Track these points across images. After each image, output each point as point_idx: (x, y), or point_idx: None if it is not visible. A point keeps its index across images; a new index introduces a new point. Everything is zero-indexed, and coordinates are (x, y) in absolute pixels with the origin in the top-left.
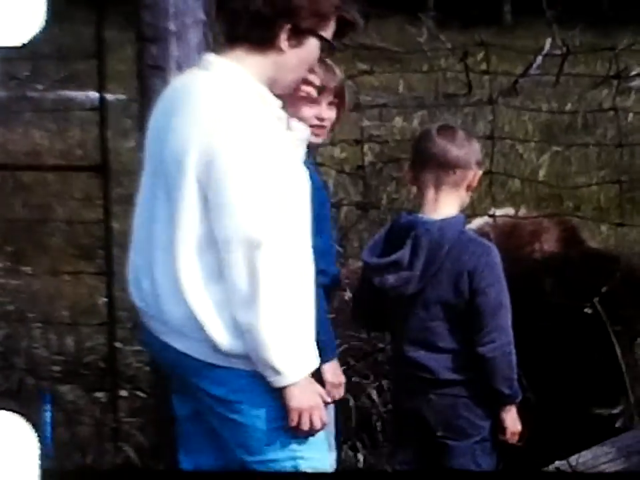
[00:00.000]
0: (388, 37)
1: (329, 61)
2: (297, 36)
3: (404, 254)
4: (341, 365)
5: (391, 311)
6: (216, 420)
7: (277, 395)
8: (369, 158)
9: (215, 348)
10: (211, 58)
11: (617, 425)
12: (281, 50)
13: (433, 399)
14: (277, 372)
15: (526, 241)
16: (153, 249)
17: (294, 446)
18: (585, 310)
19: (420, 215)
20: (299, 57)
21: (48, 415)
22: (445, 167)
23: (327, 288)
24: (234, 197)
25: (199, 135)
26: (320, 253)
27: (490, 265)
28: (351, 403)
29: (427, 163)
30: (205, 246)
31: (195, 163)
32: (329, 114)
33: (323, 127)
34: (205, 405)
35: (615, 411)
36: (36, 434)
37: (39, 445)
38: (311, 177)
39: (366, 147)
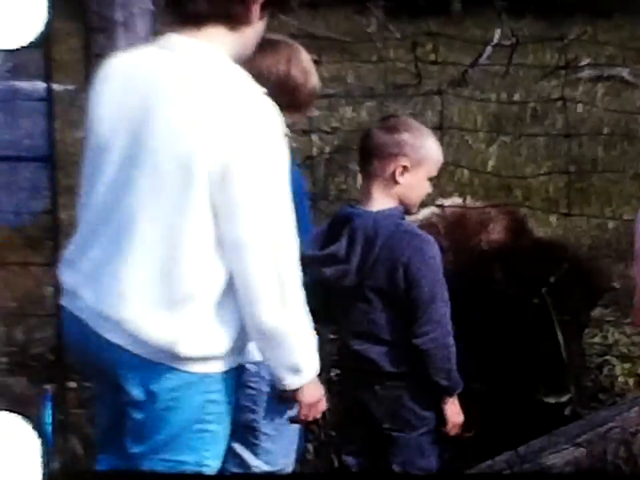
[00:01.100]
0: (337, 27)
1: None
2: (263, 8)
3: (340, 247)
4: None
5: (333, 303)
6: (136, 415)
7: (209, 398)
8: (317, 148)
9: (165, 348)
10: (176, 38)
11: (565, 413)
12: (250, 24)
13: (377, 390)
14: (299, 372)
15: (474, 231)
16: (121, 242)
17: (204, 452)
18: (533, 300)
19: (357, 207)
20: (257, 31)
21: (48, 415)
22: (367, 155)
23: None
24: (253, 200)
25: (210, 139)
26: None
27: (424, 256)
28: None
29: (360, 152)
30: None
31: (207, 167)
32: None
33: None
34: (128, 401)
35: (563, 399)
36: (38, 435)
37: (41, 446)
38: (294, 174)
39: (315, 137)
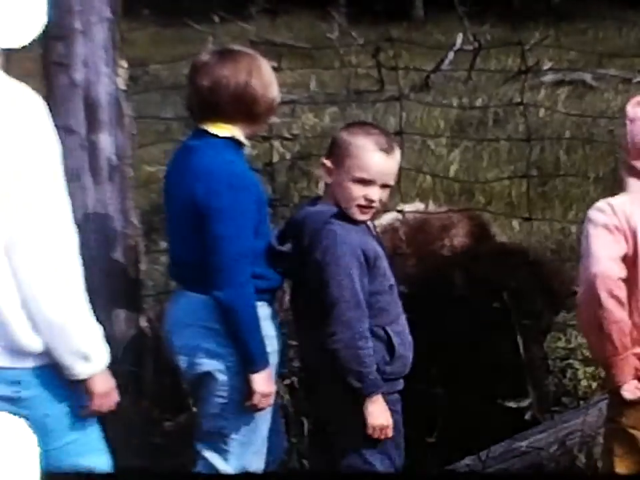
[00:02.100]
0: (299, 33)
1: None
2: None
3: (288, 245)
4: None
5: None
6: None
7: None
8: (279, 154)
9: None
10: None
11: (525, 418)
12: None
13: (319, 394)
14: (88, 360)
15: (435, 236)
16: None
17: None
18: (494, 304)
19: (307, 204)
20: None
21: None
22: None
23: (268, 292)
24: (22, 196)
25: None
26: (260, 256)
27: (335, 257)
28: None
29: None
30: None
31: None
32: None
33: None
34: None
35: (523, 404)
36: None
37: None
38: (256, 180)
39: (277, 143)
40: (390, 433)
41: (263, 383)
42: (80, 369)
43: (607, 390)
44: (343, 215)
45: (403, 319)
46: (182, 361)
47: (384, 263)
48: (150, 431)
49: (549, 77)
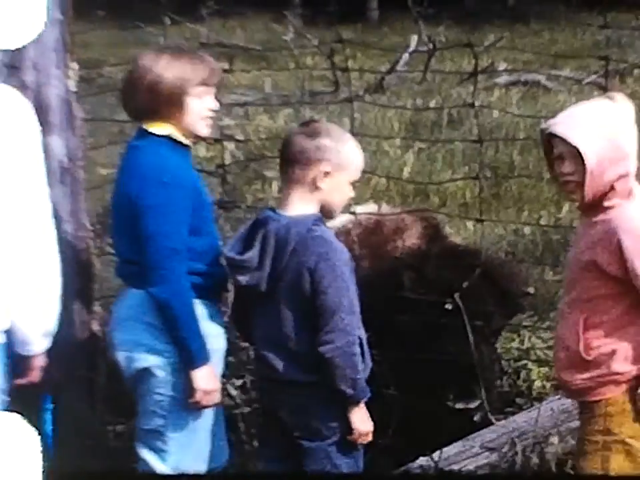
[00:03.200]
0: (253, 35)
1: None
2: None
3: (254, 253)
4: None
5: (250, 309)
6: None
7: None
8: (232, 156)
9: None
10: None
11: (474, 420)
12: None
13: (286, 399)
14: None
15: (389, 237)
16: None
17: None
18: (446, 305)
19: (274, 212)
20: None
21: (49, 415)
22: (288, 161)
23: (209, 291)
24: None
25: None
26: (200, 255)
27: (331, 264)
28: None
29: (280, 158)
30: None
31: None
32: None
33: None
34: None
35: (472, 406)
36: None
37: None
38: (193, 179)
39: (232, 145)
40: (370, 438)
41: (204, 379)
42: (39, 345)
43: (600, 402)
44: (321, 220)
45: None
46: (121, 357)
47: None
48: (103, 434)
49: (503, 78)
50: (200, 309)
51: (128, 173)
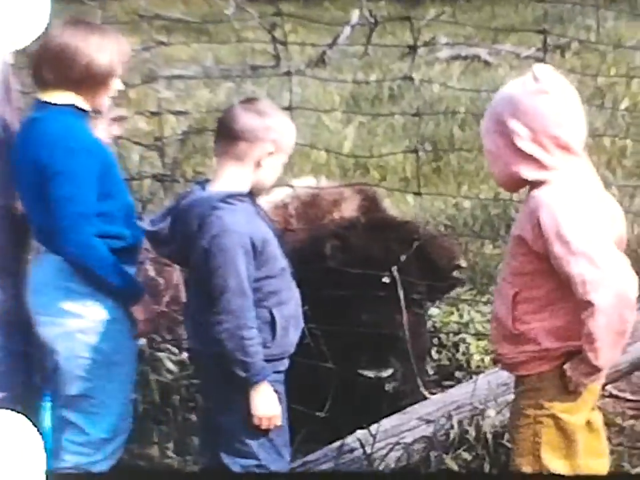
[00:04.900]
0: (195, 8)
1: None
2: None
3: (164, 225)
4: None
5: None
6: None
7: None
8: (171, 129)
9: None
10: None
11: (386, 389)
12: None
13: (205, 379)
14: None
15: (326, 210)
16: None
17: None
18: (383, 278)
19: (197, 188)
20: None
21: (49, 415)
22: (230, 137)
23: (124, 252)
24: None
25: None
26: (112, 217)
27: (222, 246)
28: (151, 376)
29: (218, 133)
30: None
31: None
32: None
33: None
34: None
35: (385, 374)
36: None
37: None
38: (98, 143)
39: (173, 119)
40: (278, 422)
41: (140, 311)
42: None
43: (530, 377)
44: (236, 198)
45: (295, 301)
46: (42, 322)
47: (273, 247)
48: None
49: (444, 53)
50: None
51: (35, 143)
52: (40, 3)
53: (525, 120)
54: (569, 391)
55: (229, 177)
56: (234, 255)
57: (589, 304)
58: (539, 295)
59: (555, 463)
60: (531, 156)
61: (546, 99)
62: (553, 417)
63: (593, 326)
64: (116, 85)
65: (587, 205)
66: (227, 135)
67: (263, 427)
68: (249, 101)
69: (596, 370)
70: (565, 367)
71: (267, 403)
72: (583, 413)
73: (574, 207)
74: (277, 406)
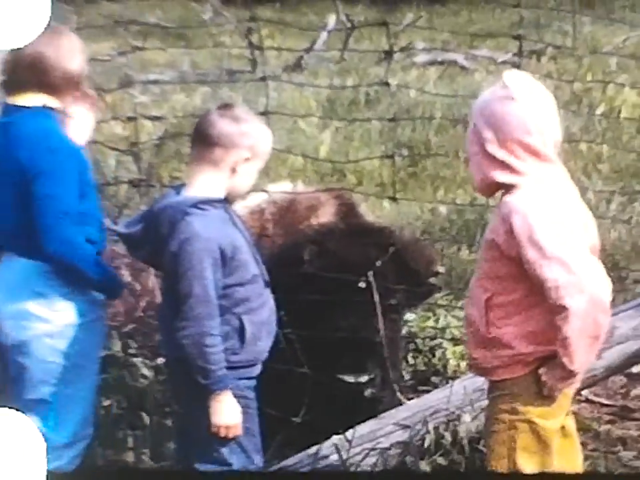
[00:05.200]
0: (171, 13)
1: None
2: None
3: (137, 229)
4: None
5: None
6: None
7: None
8: (147, 134)
9: None
10: None
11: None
12: None
13: (174, 384)
14: None
15: (303, 215)
16: None
17: None
18: (359, 283)
19: (171, 192)
20: None
21: (49, 415)
22: (206, 142)
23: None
24: None
25: None
26: (86, 217)
27: (189, 251)
28: (127, 382)
29: (193, 139)
30: None
31: None
32: None
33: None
34: None
35: (363, 379)
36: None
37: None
38: (74, 144)
39: (149, 124)
40: (238, 432)
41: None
42: None
43: (503, 383)
44: (208, 204)
45: (268, 307)
46: (7, 326)
47: (244, 254)
48: None
49: (421, 58)
50: None
51: (11, 146)
52: (40, 2)
53: (494, 126)
54: (544, 396)
55: (204, 183)
56: (200, 261)
57: (563, 308)
58: (512, 299)
59: (530, 469)
60: (502, 161)
61: (513, 106)
62: (529, 421)
63: (567, 330)
64: (86, 88)
65: (559, 210)
66: (203, 140)
67: (222, 436)
68: (225, 106)
69: (571, 374)
70: (540, 371)
71: (226, 412)
72: (559, 417)
73: (546, 212)
74: (237, 415)
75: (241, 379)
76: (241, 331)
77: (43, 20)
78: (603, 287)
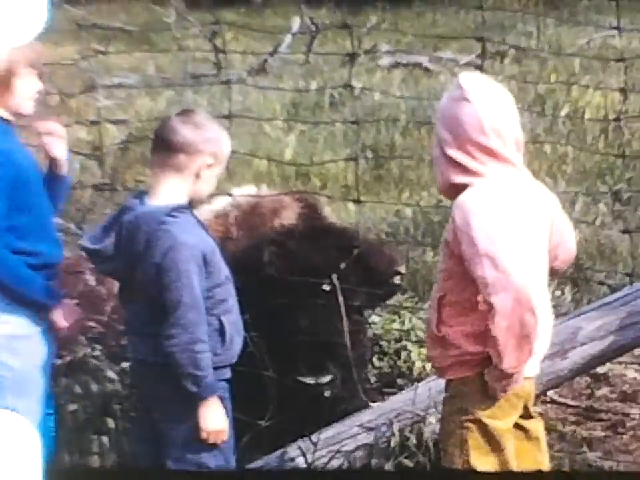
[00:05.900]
0: (135, 17)
1: None
2: None
3: (108, 242)
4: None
5: (120, 293)
6: None
7: None
8: (111, 138)
9: None
10: None
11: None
12: None
13: (149, 381)
14: None
15: (266, 218)
16: None
17: None
18: (323, 286)
19: (139, 199)
20: None
21: (49, 415)
22: (169, 149)
23: (43, 269)
24: None
25: None
26: (23, 232)
27: (175, 260)
28: (92, 386)
29: (155, 145)
30: None
31: None
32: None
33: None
34: None
35: (323, 380)
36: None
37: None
38: (16, 154)
39: (113, 128)
40: (225, 437)
41: (60, 317)
42: None
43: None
44: (179, 210)
45: (237, 308)
46: None
47: (218, 256)
48: None
49: (385, 60)
50: None
51: None
52: (38, 2)
53: (450, 128)
54: (490, 396)
55: (169, 189)
56: (187, 269)
57: (490, 306)
58: (461, 298)
59: (485, 469)
60: (459, 163)
61: (467, 107)
62: (479, 422)
63: (494, 329)
64: (26, 86)
65: (506, 209)
66: (166, 147)
67: (210, 442)
68: (185, 112)
69: (506, 375)
70: (485, 372)
71: (215, 418)
72: (511, 417)
73: (488, 210)
74: (225, 420)
75: (220, 380)
76: (221, 332)
77: (41, 19)
78: (530, 287)
